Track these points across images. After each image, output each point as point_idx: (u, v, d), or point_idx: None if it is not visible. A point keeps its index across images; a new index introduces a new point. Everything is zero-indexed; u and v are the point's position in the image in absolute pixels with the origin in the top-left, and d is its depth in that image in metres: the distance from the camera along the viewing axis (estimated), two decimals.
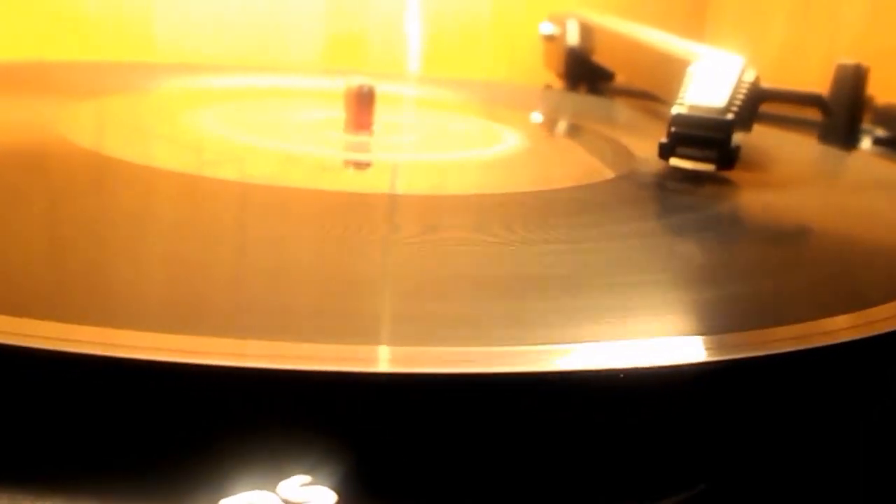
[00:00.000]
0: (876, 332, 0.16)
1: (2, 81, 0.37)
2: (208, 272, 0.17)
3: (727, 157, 0.27)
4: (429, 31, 0.59)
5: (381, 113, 0.33)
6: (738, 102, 0.28)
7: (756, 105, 0.30)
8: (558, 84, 0.53)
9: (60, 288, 0.15)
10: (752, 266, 0.21)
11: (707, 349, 0.15)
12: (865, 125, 0.41)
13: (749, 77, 0.29)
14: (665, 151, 0.28)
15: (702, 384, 0.14)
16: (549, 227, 0.23)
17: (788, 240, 0.24)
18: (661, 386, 0.14)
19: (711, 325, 0.17)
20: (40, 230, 0.19)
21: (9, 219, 0.19)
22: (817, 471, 0.15)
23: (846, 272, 0.21)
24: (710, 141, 0.27)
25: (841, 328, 0.16)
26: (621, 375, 0.13)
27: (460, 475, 0.13)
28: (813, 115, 0.39)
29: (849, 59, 0.40)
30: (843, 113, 0.39)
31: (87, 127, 0.30)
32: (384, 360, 0.14)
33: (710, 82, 0.28)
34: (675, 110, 0.28)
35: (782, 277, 0.20)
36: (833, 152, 0.38)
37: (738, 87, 0.28)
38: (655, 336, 0.15)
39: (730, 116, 0.27)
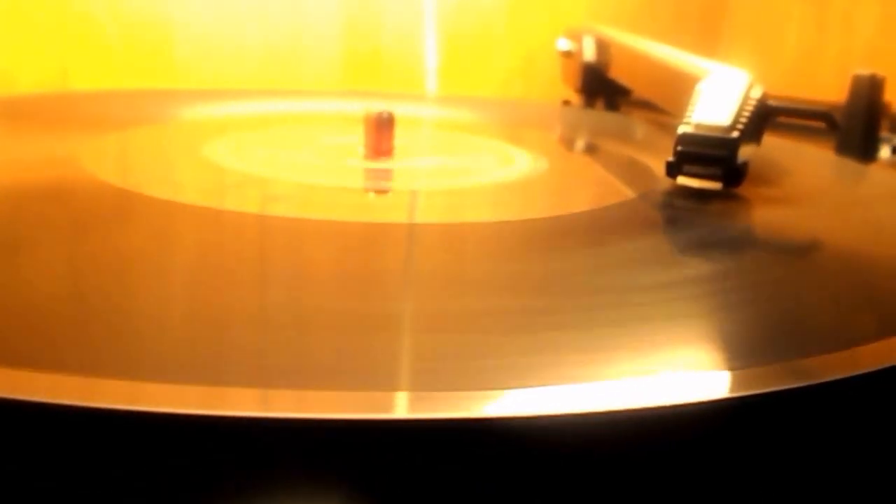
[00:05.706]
0: None
1: (27, 114, 0.38)
2: (230, 317, 0.17)
3: (733, 174, 0.28)
4: (445, 48, 0.60)
5: (400, 135, 0.33)
6: (744, 120, 0.28)
7: (764, 121, 0.30)
8: (576, 99, 0.53)
9: (81, 337, 0.15)
10: (746, 292, 0.21)
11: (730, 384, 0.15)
12: (884, 133, 0.41)
13: (756, 93, 0.29)
14: (672, 170, 0.28)
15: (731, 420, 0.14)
16: (568, 252, 0.23)
17: (793, 259, 0.24)
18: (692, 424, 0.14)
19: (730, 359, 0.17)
20: (58, 274, 0.19)
21: (25, 262, 0.19)
22: None
23: (860, 294, 0.21)
24: (715, 159, 0.27)
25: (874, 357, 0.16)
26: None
27: None
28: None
29: (864, 70, 0.40)
30: (859, 124, 0.39)
31: (109, 161, 0.31)
32: (404, 406, 0.14)
33: (716, 100, 0.29)
34: (681, 129, 0.28)
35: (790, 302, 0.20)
36: (848, 164, 0.37)
37: (744, 104, 0.28)
38: (676, 370, 0.15)
39: (735, 134, 0.27)
